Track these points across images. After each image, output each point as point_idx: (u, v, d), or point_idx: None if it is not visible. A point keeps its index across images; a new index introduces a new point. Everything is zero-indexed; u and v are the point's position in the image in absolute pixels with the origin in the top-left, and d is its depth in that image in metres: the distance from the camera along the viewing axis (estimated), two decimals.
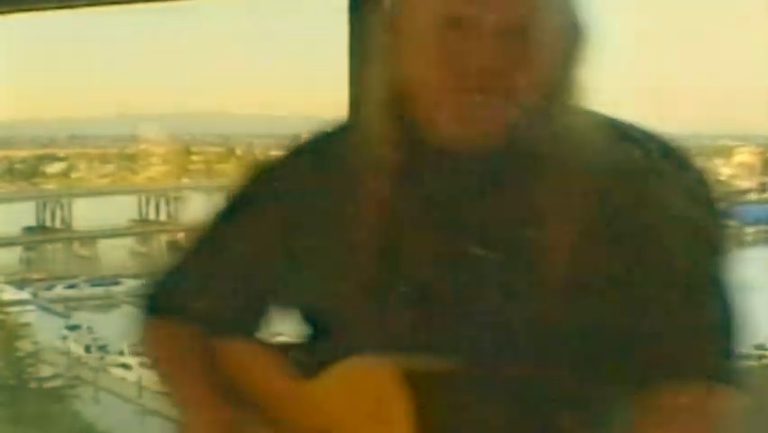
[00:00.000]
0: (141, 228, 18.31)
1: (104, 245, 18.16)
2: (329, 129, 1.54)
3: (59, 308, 16.35)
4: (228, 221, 1.57)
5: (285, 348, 1.54)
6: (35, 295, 16.43)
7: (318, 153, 1.52)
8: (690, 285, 1.37)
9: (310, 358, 1.46)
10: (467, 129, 1.34)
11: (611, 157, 1.35)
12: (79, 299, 16.61)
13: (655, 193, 1.36)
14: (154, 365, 1.64)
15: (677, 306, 1.36)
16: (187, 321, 1.55)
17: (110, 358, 15.23)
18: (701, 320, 1.37)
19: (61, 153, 18.74)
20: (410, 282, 1.39)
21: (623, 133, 1.40)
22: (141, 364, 14.96)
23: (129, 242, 18.48)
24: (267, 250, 1.51)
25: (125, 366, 15.03)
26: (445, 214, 1.39)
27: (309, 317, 1.54)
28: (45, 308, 16.23)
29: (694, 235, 1.37)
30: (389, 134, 1.39)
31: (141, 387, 14.69)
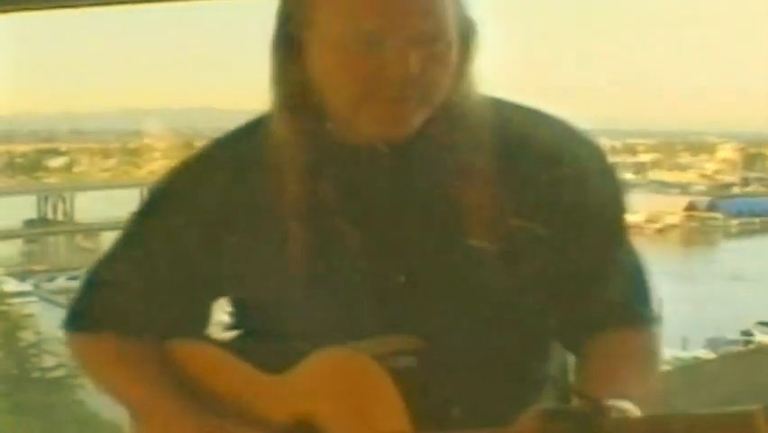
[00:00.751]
0: None
1: (106, 238, 18.18)
2: (246, 124, 1.54)
3: (62, 299, 16.37)
4: (149, 222, 1.56)
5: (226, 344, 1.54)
6: (37, 286, 16.45)
7: (235, 149, 1.53)
8: (610, 240, 1.47)
9: (247, 351, 1.49)
10: (383, 131, 1.39)
11: (517, 131, 1.44)
12: None
13: (560, 159, 1.44)
14: (103, 384, 1.60)
15: (603, 260, 1.46)
16: (128, 333, 1.52)
17: None
18: (625, 270, 1.48)
19: (63, 148, 18.75)
20: (334, 271, 1.42)
21: (525, 114, 1.49)
22: None
23: None
24: (192, 247, 1.50)
25: None
26: (362, 204, 1.43)
27: (240, 310, 1.56)
28: (47, 300, 16.25)
29: (605, 194, 1.47)
30: (299, 134, 1.41)
31: None
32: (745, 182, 19.48)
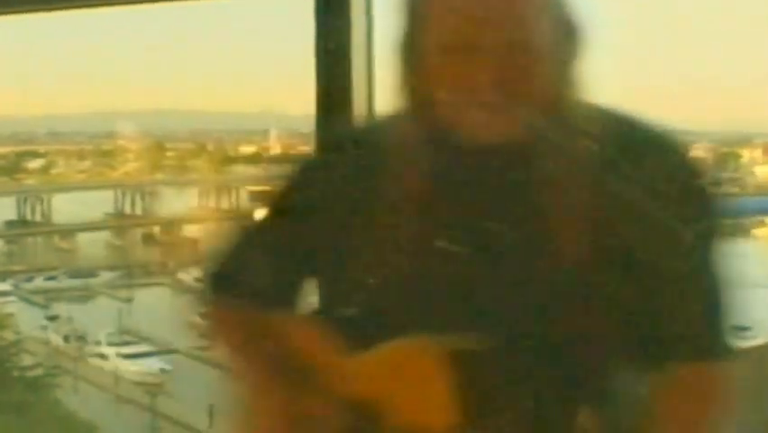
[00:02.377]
0: (118, 222, 18.24)
1: (82, 239, 18.09)
2: (367, 124, 1.67)
3: (39, 299, 16.29)
4: (277, 208, 1.66)
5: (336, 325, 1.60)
6: (16, 287, 16.35)
7: (355, 146, 1.60)
8: (695, 268, 1.44)
9: (350, 333, 1.54)
10: (484, 135, 1.43)
11: (613, 142, 1.44)
12: (59, 291, 16.54)
13: (656, 176, 1.43)
14: (218, 342, 1.71)
15: (684, 285, 1.44)
16: (245, 300, 1.61)
17: (88, 349, 15.18)
18: (705, 300, 1.45)
19: (41, 150, 18.64)
20: (443, 266, 1.47)
21: (622, 122, 1.49)
22: (118, 355, 14.93)
23: (106, 235, 18.42)
24: (313, 234, 1.57)
25: (102, 357, 14.98)
26: (471, 203, 1.47)
27: (349, 294, 1.60)
28: (26, 299, 16.16)
29: (697, 219, 1.44)
30: (417, 135, 1.48)
31: (117, 377, 14.67)
32: (717, 182, 19.48)
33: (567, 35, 1.44)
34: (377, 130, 1.60)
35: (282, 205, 1.64)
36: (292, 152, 17.73)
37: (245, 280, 1.62)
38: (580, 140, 1.42)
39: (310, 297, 1.65)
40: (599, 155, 1.42)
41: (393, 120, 1.53)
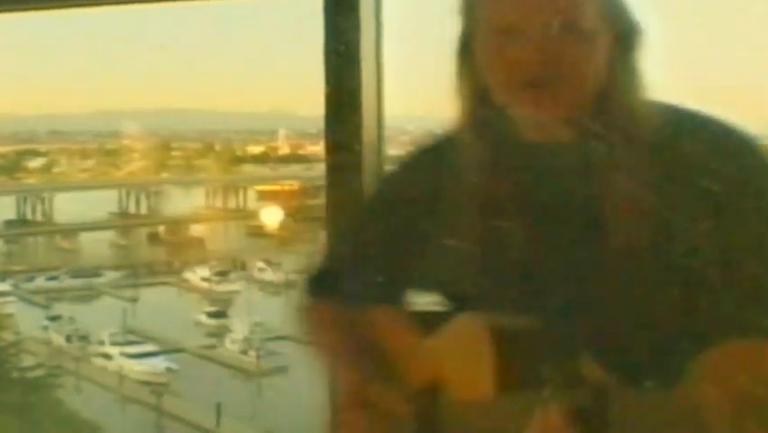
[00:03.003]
0: (122, 221, 18.27)
1: (85, 238, 18.10)
2: (444, 132, 1.71)
3: (40, 299, 16.30)
4: (370, 213, 1.86)
5: (424, 316, 1.72)
6: (16, 287, 16.37)
7: (434, 151, 1.73)
8: (756, 249, 1.50)
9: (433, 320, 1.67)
10: (537, 115, 1.55)
11: (679, 140, 1.51)
12: (60, 291, 16.56)
13: (720, 164, 1.49)
14: (313, 339, 1.83)
15: (744, 268, 1.49)
16: (338, 299, 1.75)
17: (91, 349, 15.20)
18: (762, 279, 1.50)
19: (42, 149, 18.66)
20: (506, 257, 1.58)
21: (690, 119, 1.55)
22: (122, 354, 14.96)
23: (110, 235, 18.44)
24: (402, 235, 1.71)
25: (106, 356, 15.00)
26: (531, 197, 1.58)
27: (436, 289, 1.73)
28: (26, 300, 16.18)
29: (758, 203, 1.51)
30: (477, 133, 1.60)
31: (121, 376, 14.67)
32: None
33: (622, 29, 1.53)
34: (447, 137, 1.69)
35: (374, 208, 1.85)
36: (300, 151, 17.93)
37: (343, 281, 1.75)
38: (634, 131, 1.49)
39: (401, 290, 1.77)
40: (660, 148, 1.49)
41: (459, 128, 1.64)
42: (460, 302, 1.64)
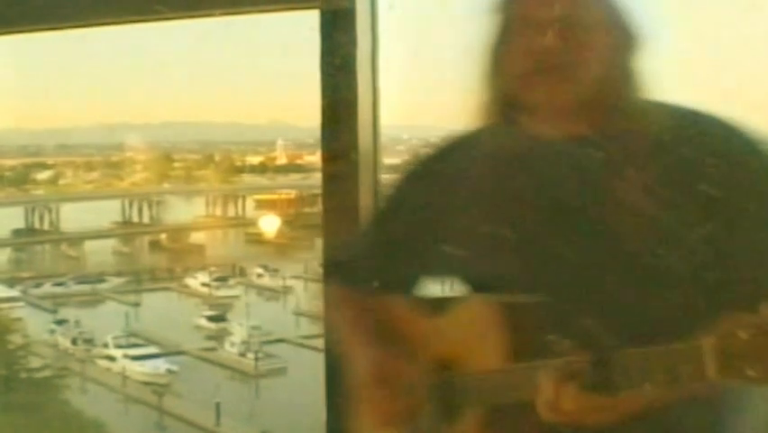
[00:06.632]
0: (125, 230, 18.23)
1: (90, 246, 18.06)
2: (469, 129, 1.78)
3: (47, 304, 16.26)
4: (390, 207, 1.92)
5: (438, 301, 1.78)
6: (25, 292, 16.32)
7: (453, 148, 1.81)
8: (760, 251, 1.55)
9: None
10: (545, 99, 1.63)
11: (684, 134, 1.56)
12: (66, 296, 16.52)
13: (727, 163, 1.53)
14: (339, 321, 1.90)
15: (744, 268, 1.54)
16: (363, 287, 1.83)
17: (95, 351, 15.17)
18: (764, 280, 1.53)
19: (49, 162, 18.62)
20: (524, 243, 1.63)
21: (695, 118, 1.61)
22: (125, 356, 14.93)
23: (113, 243, 18.40)
24: (423, 227, 1.78)
25: (110, 358, 14.96)
26: (545, 189, 1.64)
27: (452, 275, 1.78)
28: (34, 305, 16.13)
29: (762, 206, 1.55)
30: (502, 130, 1.69)
31: (124, 377, 14.64)
32: None
33: (624, 30, 1.61)
34: (466, 135, 1.78)
35: (395, 203, 1.91)
36: (298, 161, 17.94)
37: (367, 270, 1.83)
38: (643, 129, 1.55)
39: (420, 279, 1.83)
40: (661, 148, 1.54)
41: (483, 127, 1.72)
42: (474, 286, 1.70)
